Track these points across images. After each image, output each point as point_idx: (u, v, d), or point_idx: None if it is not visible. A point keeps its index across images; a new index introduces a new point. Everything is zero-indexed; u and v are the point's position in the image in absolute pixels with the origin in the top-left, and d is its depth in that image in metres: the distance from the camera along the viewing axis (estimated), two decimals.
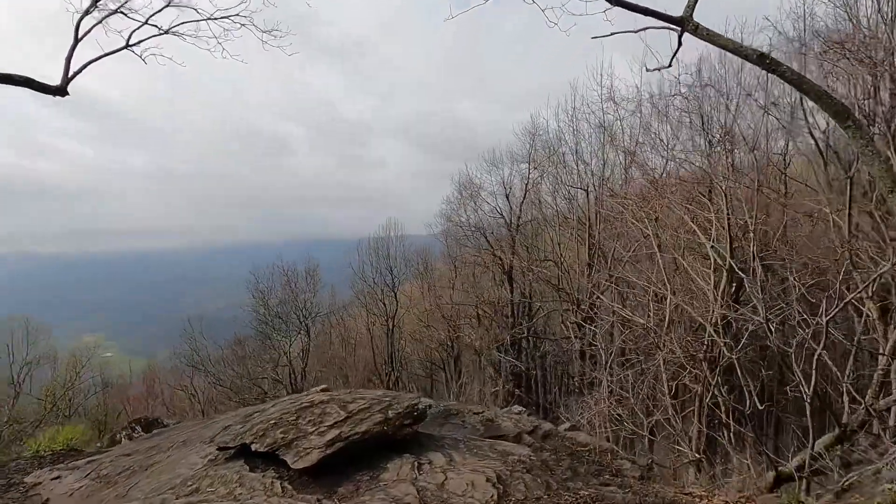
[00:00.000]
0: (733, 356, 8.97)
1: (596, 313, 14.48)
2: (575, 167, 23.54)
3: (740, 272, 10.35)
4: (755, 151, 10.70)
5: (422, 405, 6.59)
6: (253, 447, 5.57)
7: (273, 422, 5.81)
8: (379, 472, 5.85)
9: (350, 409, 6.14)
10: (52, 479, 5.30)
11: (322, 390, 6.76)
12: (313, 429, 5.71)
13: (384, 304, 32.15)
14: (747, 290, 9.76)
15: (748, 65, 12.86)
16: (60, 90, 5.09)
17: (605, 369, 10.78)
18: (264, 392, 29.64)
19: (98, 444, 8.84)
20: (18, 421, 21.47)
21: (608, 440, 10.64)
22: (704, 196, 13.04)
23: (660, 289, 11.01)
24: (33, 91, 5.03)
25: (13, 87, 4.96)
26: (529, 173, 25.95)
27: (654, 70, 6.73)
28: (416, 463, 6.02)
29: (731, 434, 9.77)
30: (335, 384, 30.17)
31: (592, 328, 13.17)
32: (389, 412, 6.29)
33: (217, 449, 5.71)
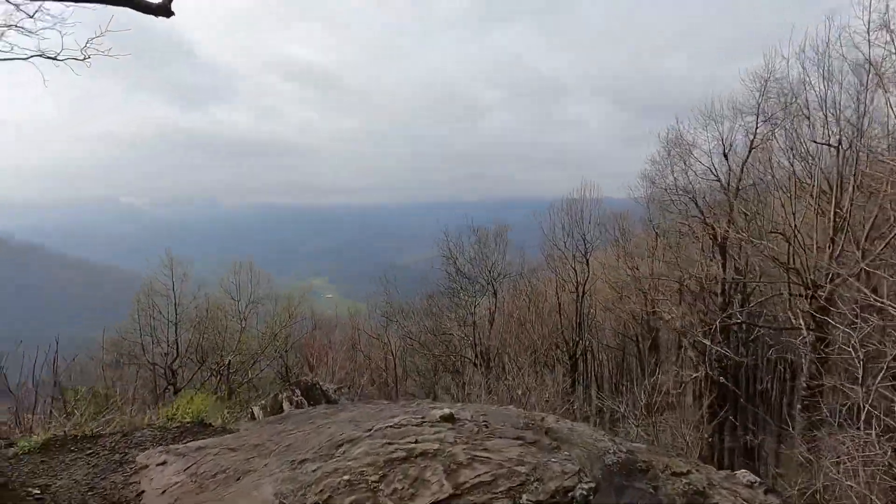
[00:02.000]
0: None
1: (848, 309, 11.11)
2: (822, 117, 18.67)
3: None
4: None
5: (581, 491, 3.92)
6: None
7: (348, 478, 3.88)
8: None
9: (461, 479, 3.85)
10: (157, 465, 4.62)
11: (441, 419, 4.71)
12: None
13: (574, 271, 30.45)
14: None
15: None
16: (164, 9, 4.63)
17: (870, 393, 7.92)
18: (450, 351, 30.37)
19: (262, 402, 8.97)
20: (242, 352, 24.74)
21: (867, 485, 8.00)
22: None
23: None
24: (142, 13, 4.65)
25: (115, 7, 4.60)
26: (757, 127, 21.55)
27: None
28: None
29: None
30: (520, 349, 29.58)
31: (847, 329, 9.94)
32: (523, 496, 3.76)
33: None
